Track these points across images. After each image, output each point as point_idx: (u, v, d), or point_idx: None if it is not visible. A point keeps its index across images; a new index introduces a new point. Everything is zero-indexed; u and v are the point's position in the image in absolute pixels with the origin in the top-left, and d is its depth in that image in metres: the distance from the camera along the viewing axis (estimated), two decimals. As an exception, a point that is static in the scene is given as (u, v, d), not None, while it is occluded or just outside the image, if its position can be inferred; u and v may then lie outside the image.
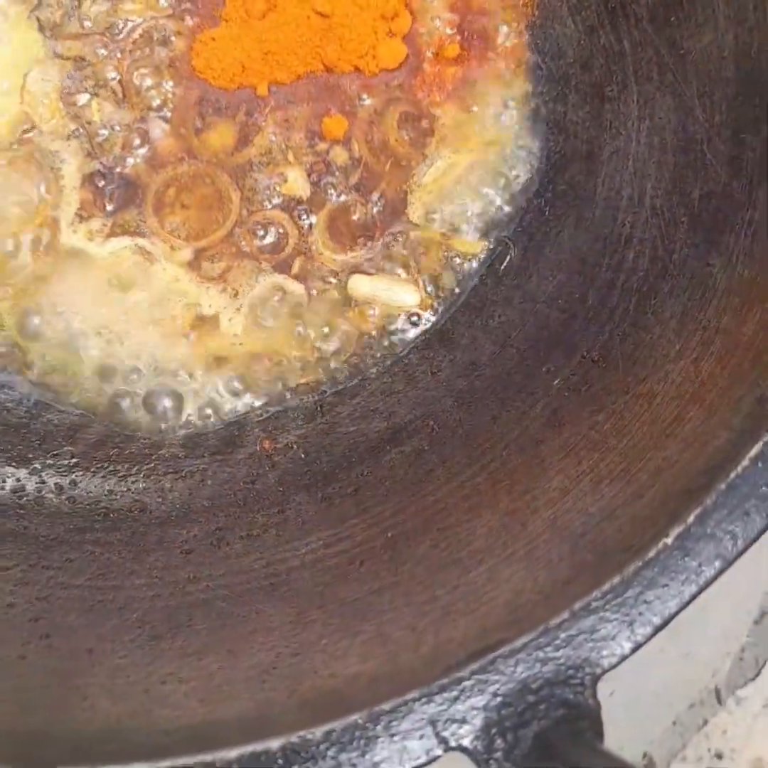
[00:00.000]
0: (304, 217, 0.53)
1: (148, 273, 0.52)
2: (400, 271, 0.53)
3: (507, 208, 0.54)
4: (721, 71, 0.47)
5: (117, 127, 0.52)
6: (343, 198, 0.53)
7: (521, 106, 0.54)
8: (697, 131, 0.47)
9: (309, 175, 0.53)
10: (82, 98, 0.52)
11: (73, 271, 0.51)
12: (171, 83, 0.53)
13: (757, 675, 0.65)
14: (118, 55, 0.52)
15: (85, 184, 0.52)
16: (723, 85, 0.47)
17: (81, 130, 0.52)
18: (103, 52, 0.52)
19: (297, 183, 0.53)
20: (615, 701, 0.60)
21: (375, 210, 0.54)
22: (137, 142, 0.52)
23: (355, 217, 0.54)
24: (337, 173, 0.53)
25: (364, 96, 0.54)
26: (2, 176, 0.51)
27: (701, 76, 0.48)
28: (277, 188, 0.53)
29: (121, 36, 0.52)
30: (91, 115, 0.52)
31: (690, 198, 0.47)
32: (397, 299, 0.53)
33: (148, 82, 0.52)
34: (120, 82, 0.52)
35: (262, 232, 0.53)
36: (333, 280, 0.53)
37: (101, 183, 0.52)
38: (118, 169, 0.52)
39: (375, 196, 0.54)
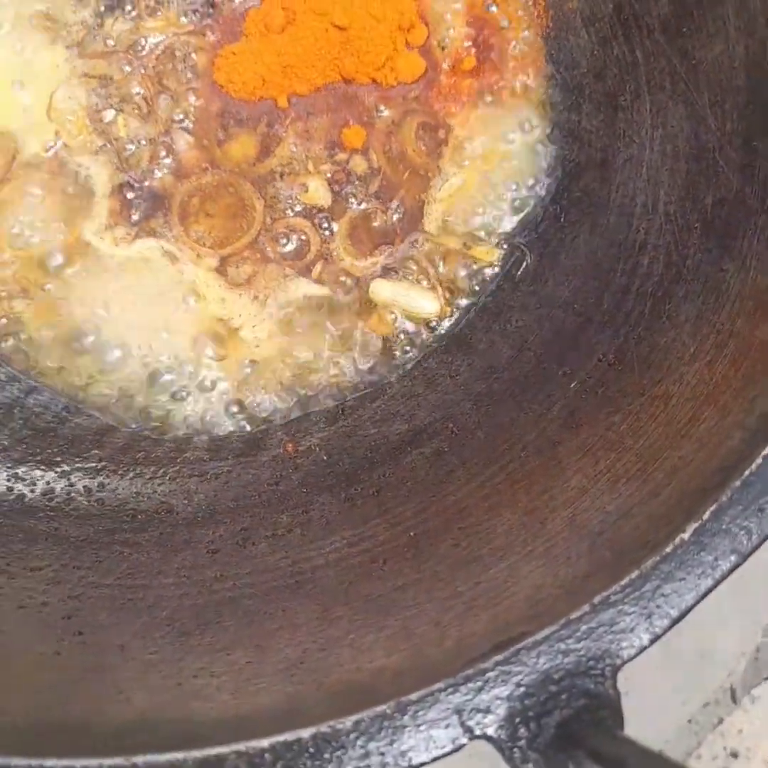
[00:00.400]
0: (326, 224, 0.54)
1: (174, 278, 0.53)
2: (420, 278, 0.54)
3: (523, 216, 0.55)
4: (733, 80, 0.48)
5: (143, 142, 0.53)
6: (363, 206, 0.54)
7: (536, 115, 0.55)
8: (709, 139, 0.48)
9: (330, 184, 0.55)
10: (109, 114, 0.53)
11: (101, 277, 0.52)
12: (193, 97, 0.54)
13: (773, 675, 0.65)
14: (142, 71, 0.53)
15: (114, 195, 0.53)
16: (734, 94, 0.48)
17: (108, 145, 0.53)
18: (127, 68, 0.54)
19: (318, 192, 0.55)
20: (631, 700, 0.61)
21: (395, 217, 0.55)
22: (163, 154, 0.54)
23: (375, 224, 0.55)
24: (356, 182, 0.55)
25: (382, 107, 0.55)
26: (37, 188, 0.52)
27: (713, 85, 0.49)
28: (299, 197, 0.54)
29: (144, 52, 0.54)
30: (117, 130, 0.53)
31: (703, 204, 0.48)
32: (417, 306, 0.54)
33: (171, 96, 0.54)
34: (144, 97, 0.53)
35: (284, 240, 0.54)
36: (353, 286, 0.54)
37: (130, 195, 0.53)
38: (146, 182, 0.53)
39: (394, 203, 0.55)
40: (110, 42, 0.53)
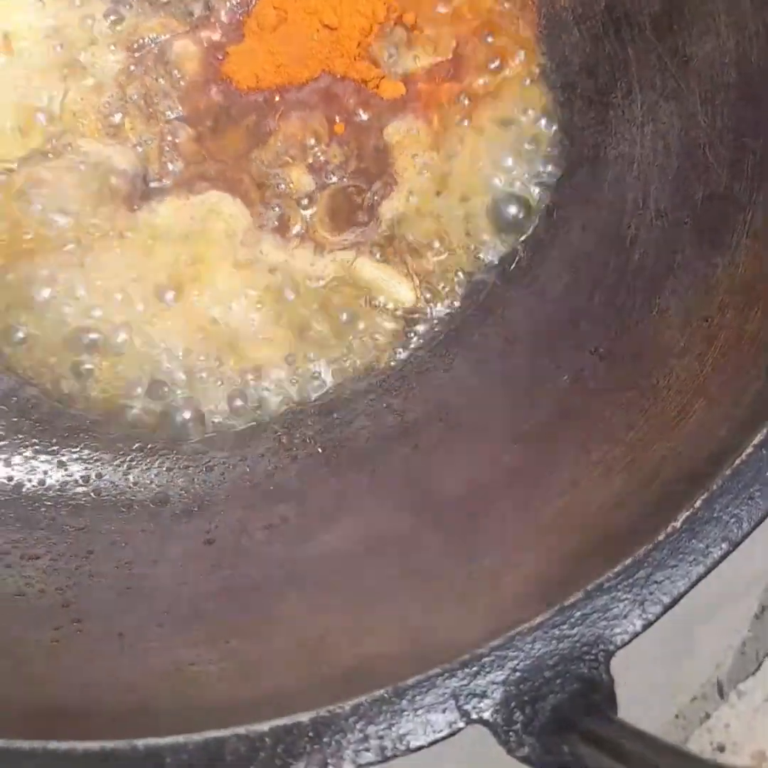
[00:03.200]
0: (306, 202, 0.55)
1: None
2: (401, 267, 0.55)
3: (515, 211, 0.55)
4: (723, 77, 0.48)
5: (149, 141, 0.54)
6: (344, 188, 0.55)
7: (527, 113, 0.56)
8: (700, 136, 0.49)
9: (312, 172, 0.55)
10: (117, 117, 0.54)
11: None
12: (189, 94, 0.54)
13: (758, 669, 0.66)
14: (142, 72, 0.54)
15: (129, 189, 0.54)
16: (724, 91, 0.48)
17: (119, 146, 0.54)
18: (132, 68, 0.54)
19: (301, 179, 0.55)
20: (618, 694, 0.61)
21: (374, 199, 0.55)
22: (167, 150, 0.54)
23: (357, 201, 0.55)
24: (338, 171, 0.55)
25: (369, 104, 0.56)
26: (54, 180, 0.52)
27: (703, 82, 0.49)
28: (288, 185, 0.55)
29: (141, 54, 0.54)
30: (125, 132, 0.54)
31: (693, 200, 0.48)
32: (394, 291, 0.54)
33: (168, 95, 0.54)
34: (144, 97, 0.54)
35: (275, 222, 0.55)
36: (339, 270, 0.55)
37: (142, 187, 0.54)
38: (155, 176, 0.54)
39: (376, 186, 0.55)
40: (112, 46, 0.54)
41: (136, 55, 0.54)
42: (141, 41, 0.54)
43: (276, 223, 0.55)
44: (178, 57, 0.54)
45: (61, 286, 0.53)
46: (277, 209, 0.55)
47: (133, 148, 0.54)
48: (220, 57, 0.55)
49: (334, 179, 0.55)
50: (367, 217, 0.55)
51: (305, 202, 0.55)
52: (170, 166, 0.54)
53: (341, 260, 0.55)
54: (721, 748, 0.67)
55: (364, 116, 0.55)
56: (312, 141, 0.55)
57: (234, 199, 0.55)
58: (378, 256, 0.55)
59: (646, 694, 0.64)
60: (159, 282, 0.53)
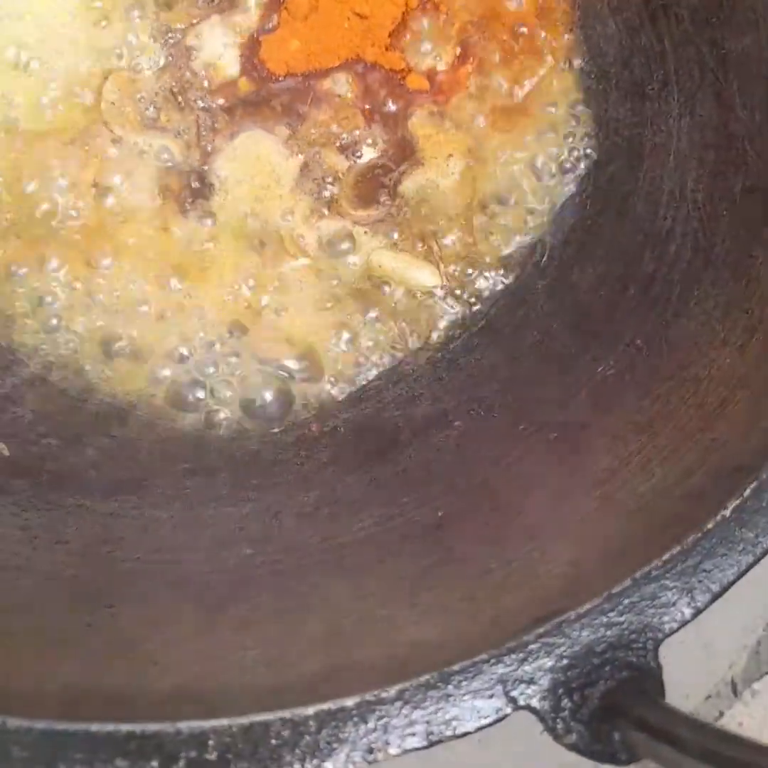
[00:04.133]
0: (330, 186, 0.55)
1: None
2: (427, 253, 0.55)
3: (549, 203, 0.55)
4: (762, 70, 0.48)
5: (182, 130, 0.54)
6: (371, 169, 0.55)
7: (562, 104, 0.56)
8: (738, 128, 0.49)
9: (344, 153, 0.55)
10: (151, 110, 0.54)
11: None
12: (222, 83, 0.54)
13: (773, 668, 0.66)
14: (175, 63, 0.54)
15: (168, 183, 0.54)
16: (764, 84, 0.48)
17: (158, 135, 0.54)
18: (160, 61, 0.54)
19: (333, 159, 0.55)
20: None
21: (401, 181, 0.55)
22: (203, 136, 0.54)
23: (384, 182, 0.55)
24: (366, 153, 0.55)
25: (397, 93, 0.55)
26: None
27: (741, 75, 0.49)
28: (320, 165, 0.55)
29: (175, 43, 0.54)
30: (162, 124, 0.54)
31: (731, 192, 0.48)
32: (416, 277, 0.54)
33: (202, 85, 0.54)
34: (173, 90, 0.54)
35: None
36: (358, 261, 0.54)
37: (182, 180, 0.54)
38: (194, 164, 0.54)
39: (403, 167, 0.55)
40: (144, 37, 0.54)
41: (171, 44, 0.54)
42: (174, 31, 0.54)
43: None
44: (211, 46, 0.54)
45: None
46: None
47: (173, 136, 0.54)
48: (254, 45, 0.54)
49: (362, 161, 0.54)
50: (391, 200, 0.55)
51: (331, 181, 0.54)
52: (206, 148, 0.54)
53: (366, 250, 0.54)
54: (734, 747, 0.66)
55: (393, 105, 0.55)
56: (340, 126, 0.55)
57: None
58: (397, 237, 0.55)
59: (662, 691, 0.64)
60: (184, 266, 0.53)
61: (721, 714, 0.68)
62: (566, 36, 0.56)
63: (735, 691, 0.68)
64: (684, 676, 0.66)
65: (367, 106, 0.56)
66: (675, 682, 0.64)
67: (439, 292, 0.54)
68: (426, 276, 0.54)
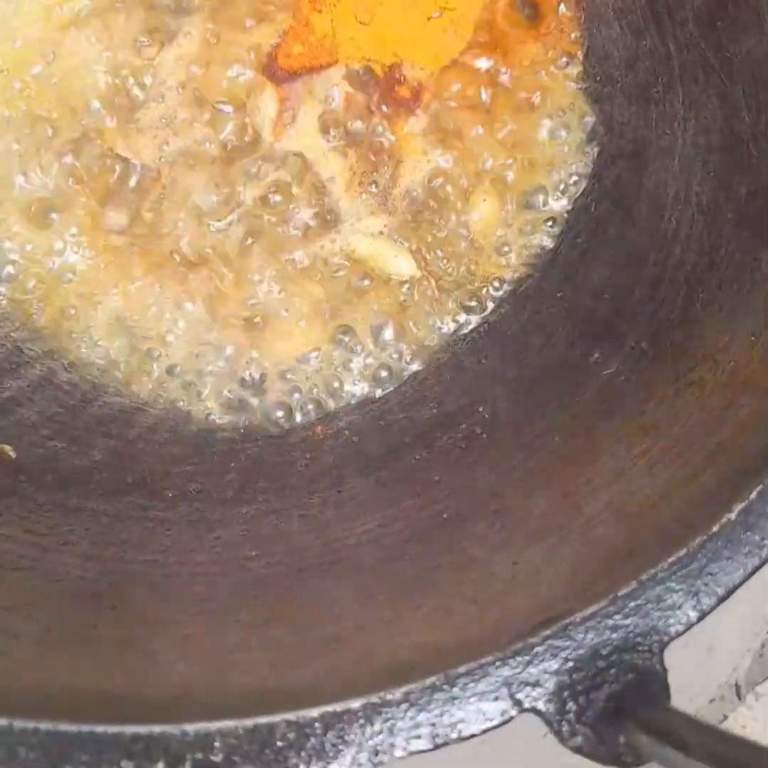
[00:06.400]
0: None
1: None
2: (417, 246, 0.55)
3: (554, 205, 0.55)
4: (766, 73, 0.48)
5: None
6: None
7: (567, 107, 0.56)
8: (743, 131, 0.49)
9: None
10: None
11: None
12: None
13: (776, 672, 0.66)
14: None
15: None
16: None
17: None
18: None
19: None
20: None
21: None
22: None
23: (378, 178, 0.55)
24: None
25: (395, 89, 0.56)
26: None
27: (747, 77, 0.49)
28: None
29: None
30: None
31: (737, 195, 0.48)
32: (392, 265, 0.54)
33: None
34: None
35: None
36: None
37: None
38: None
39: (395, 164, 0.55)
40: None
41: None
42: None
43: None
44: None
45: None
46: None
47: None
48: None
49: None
50: (385, 199, 0.55)
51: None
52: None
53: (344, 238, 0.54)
54: (737, 750, 0.66)
55: (389, 106, 0.55)
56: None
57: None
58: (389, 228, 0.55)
59: (665, 695, 0.63)
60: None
61: (725, 717, 0.68)
62: (572, 36, 0.56)
63: (739, 695, 0.68)
64: (687, 679, 0.66)
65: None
66: (678, 686, 0.64)
67: (437, 294, 0.54)
68: (402, 265, 0.54)
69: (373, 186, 0.55)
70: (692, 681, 0.66)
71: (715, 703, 0.68)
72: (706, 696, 0.67)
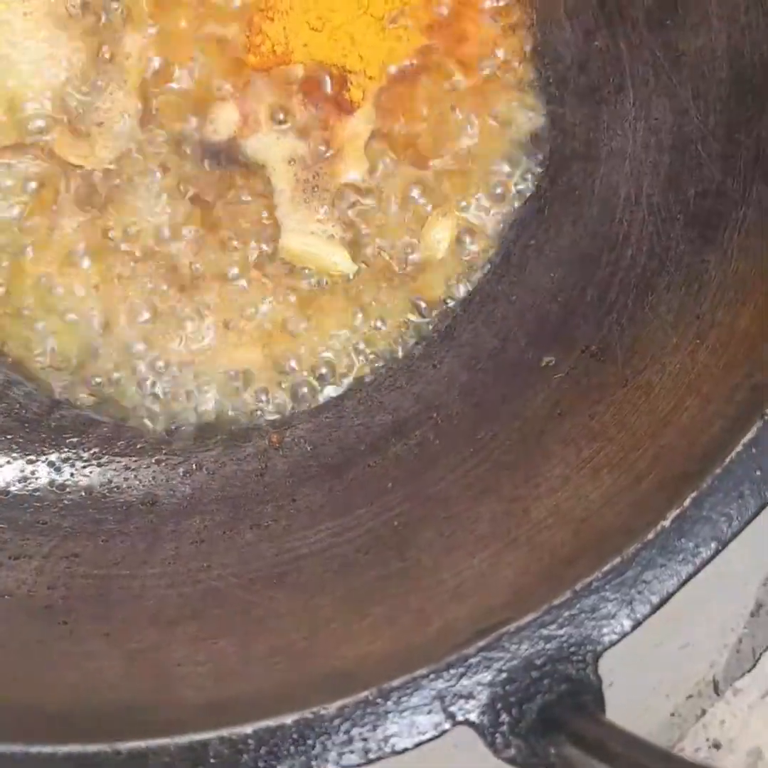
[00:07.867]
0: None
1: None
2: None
3: (506, 207, 0.55)
4: (715, 72, 0.48)
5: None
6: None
7: (519, 109, 0.55)
8: (692, 131, 0.49)
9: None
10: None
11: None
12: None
13: (754, 666, 0.66)
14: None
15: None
16: (717, 86, 0.48)
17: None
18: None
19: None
20: (614, 693, 0.61)
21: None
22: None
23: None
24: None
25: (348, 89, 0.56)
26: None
27: (695, 77, 0.49)
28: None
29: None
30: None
31: (686, 196, 0.48)
32: (328, 261, 0.54)
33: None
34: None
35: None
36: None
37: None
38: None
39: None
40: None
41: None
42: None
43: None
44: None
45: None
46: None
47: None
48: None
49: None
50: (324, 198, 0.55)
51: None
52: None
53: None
54: (717, 745, 0.66)
55: (337, 109, 0.55)
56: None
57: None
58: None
59: (641, 692, 0.64)
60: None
61: (704, 712, 0.68)
62: (523, 35, 0.55)
63: (717, 690, 0.68)
64: (663, 676, 0.66)
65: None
66: (654, 683, 0.65)
67: (386, 296, 0.54)
68: (339, 260, 0.54)
69: (315, 190, 0.54)
70: (669, 677, 0.66)
71: (693, 700, 0.68)
72: (684, 693, 0.67)
